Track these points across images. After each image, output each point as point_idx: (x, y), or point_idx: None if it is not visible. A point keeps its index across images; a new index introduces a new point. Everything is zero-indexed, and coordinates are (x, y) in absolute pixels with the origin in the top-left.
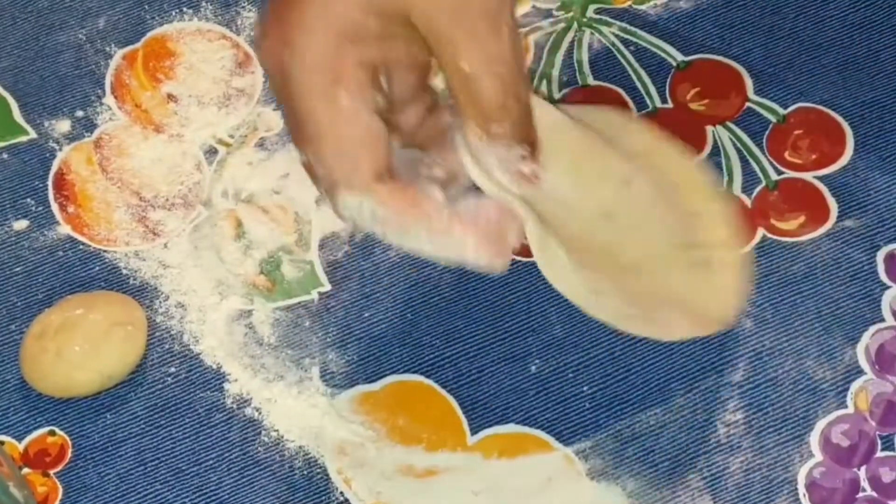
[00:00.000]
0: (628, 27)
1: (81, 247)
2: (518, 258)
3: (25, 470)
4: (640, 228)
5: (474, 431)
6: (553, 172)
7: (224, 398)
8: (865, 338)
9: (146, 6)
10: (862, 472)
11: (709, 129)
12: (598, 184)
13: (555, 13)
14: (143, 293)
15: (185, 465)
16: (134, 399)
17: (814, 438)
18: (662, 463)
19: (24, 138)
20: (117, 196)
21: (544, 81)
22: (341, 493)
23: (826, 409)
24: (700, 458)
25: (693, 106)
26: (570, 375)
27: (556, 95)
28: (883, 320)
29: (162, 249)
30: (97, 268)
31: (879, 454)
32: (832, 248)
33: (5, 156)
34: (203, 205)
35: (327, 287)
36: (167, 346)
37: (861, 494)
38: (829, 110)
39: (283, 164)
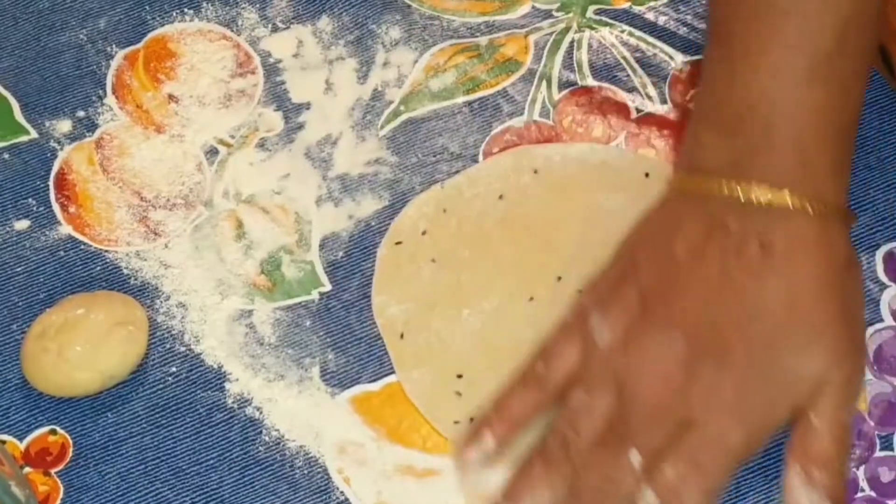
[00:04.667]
0: (628, 28)
1: (83, 247)
2: None
3: (27, 469)
4: None
5: None
6: None
7: (225, 398)
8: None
9: (147, 7)
10: (861, 472)
11: None
12: None
13: (555, 14)
14: (144, 293)
15: (186, 464)
16: (135, 399)
17: None
18: None
19: (25, 138)
20: (118, 196)
21: (544, 82)
22: (341, 492)
23: None
24: None
25: (693, 107)
26: None
27: (556, 96)
28: (882, 321)
29: (163, 249)
30: (98, 268)
31: (878, 454)
32: None
33: (6, 156)
34: (204, 205)
35: (328, 287)
36: (168, 346)
37: (860, 494)
38: None
39: (284, 164)
